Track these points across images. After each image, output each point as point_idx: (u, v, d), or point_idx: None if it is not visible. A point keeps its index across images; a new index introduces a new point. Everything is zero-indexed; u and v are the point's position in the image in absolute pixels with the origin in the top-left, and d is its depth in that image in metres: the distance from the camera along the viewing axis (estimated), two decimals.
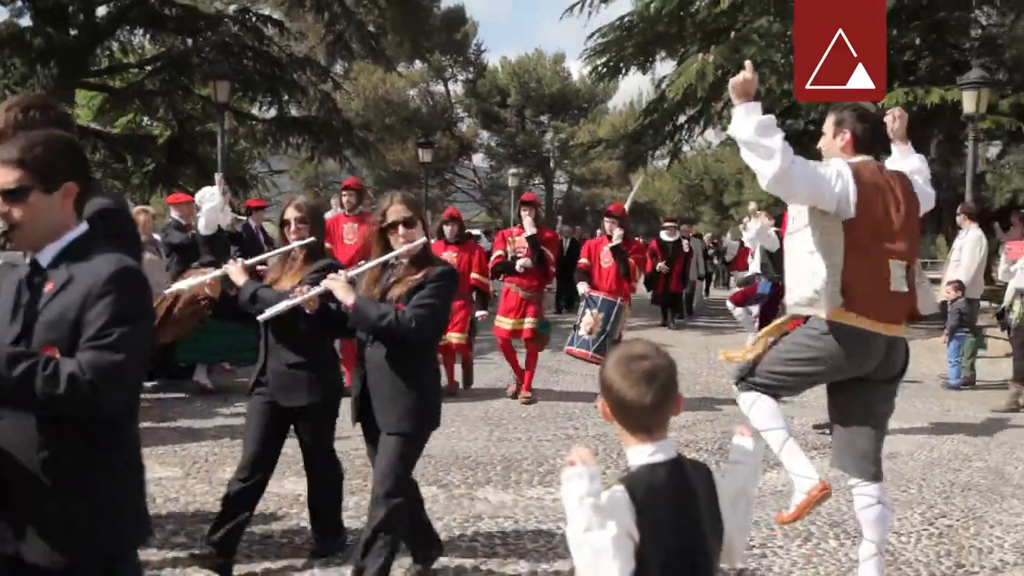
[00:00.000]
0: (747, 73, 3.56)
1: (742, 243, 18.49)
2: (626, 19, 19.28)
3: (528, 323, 8.57)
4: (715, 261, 24.76)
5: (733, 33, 17.44)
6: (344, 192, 9.12)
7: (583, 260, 8.81)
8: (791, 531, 4.85)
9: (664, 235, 16.28)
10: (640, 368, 1.97)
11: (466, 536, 4.72)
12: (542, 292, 8.87)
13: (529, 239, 8.60)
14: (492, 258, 8.93)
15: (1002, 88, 17.29)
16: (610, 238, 8.71)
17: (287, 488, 5.53)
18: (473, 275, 8.64)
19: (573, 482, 1.89)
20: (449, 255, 8.36)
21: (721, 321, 17.88)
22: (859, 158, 3.79)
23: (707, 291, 22.98)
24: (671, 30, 18.60)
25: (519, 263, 8.55)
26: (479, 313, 8.74)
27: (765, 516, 5.10)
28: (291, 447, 6.50)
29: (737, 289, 11.59)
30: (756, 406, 3.78)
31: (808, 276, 3.66)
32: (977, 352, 10.31)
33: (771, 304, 9.53)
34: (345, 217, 8.93)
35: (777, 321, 3.97)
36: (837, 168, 3.66)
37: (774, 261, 9.45)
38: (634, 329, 15.47)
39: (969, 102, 13.70)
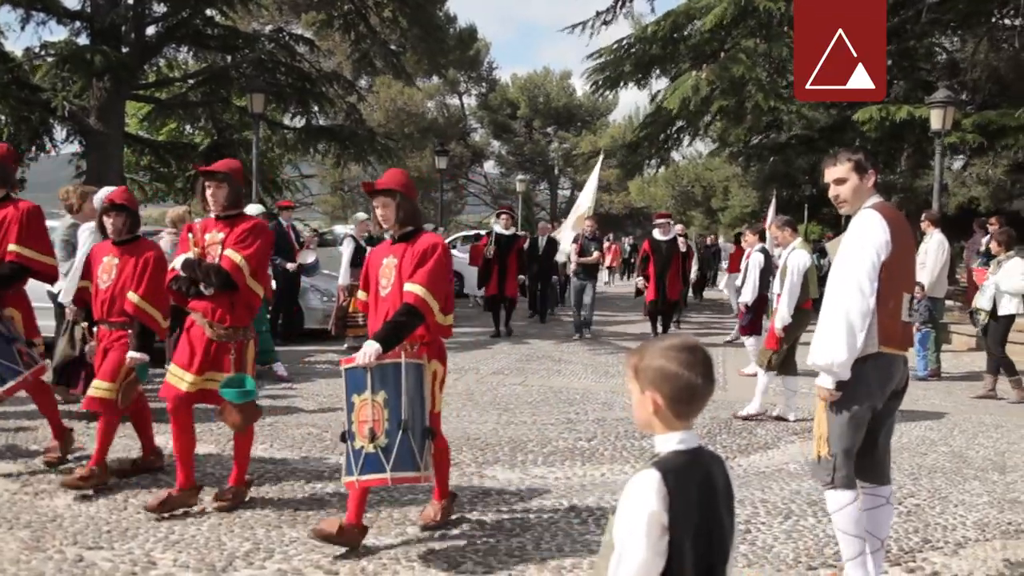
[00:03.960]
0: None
1: (737, 245, 18.32)
2: (624, 41, 19.19)
3: (220, 381, 4.50)
4: (712, 262, 23.63)
5: (723, 53, 17.35)
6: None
7: (360, 295, 4.43)
8: (773, 509, 4.81)
9: (657, 233, 12.71)
10: (701, 357, 1.92)
11: (476, 511, 4.68)
12: (247, 328, 4.63)
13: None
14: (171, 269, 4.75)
15: (964, 107, 17.22)
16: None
17: (312, 465, 5.51)
18: (130, 296, 4.85)
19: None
20: (109, 260, 4.99)
21: (709, 316, 17.83)
22: (877, 196, 3.63)
23: (700, 296, 21.22)
24: (666, 50, 18.51)
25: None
26: (130, 355, 4.83)
27: (749, 495, 5.07)
28: (317, 425, 6.53)
29: (740, 318, 10.11)
30: (847, 510, 3.51)
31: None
32: (942, 346, 10.24)
33: (758, 311, 9.40)
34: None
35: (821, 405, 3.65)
36: (874, 241, 3.42)
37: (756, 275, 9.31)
38: (617, 324, 15.32)
39: (936, 119, 13.63)
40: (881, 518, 3.66)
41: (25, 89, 16.46)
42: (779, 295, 7.53)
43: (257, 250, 4.55)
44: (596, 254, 13.10)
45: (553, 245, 14.75)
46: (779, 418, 7.31)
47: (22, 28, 17.54)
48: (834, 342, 3.39)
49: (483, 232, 17.73)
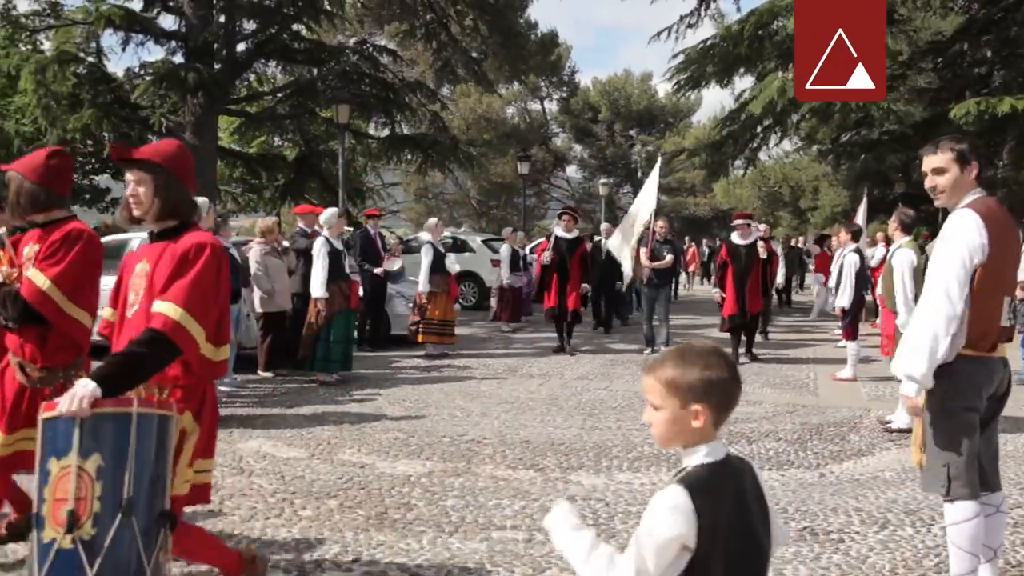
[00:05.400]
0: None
1: (822, 248, 17.85)
2: (708, 41, 18.92)
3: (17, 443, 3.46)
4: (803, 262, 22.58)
5: None
6: None
7: (106, 312, 3.19)
8: (868, 518, 4.66)
9: (736, 237, 10.86)
10: (731, 359, 1.86)
11: None
12: (68, 367, 3.51)
13: None
14: None
15: None
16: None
17: (399, 469, 5.59)
18: None
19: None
20: None
21: (798, 321, 17.40)
22: (979, 191, 3.47)
23: (788, 301, 20.21)
24: (752, 49, 18.17)
25: None
26: None
27: (842, 503, 4.92)
28: (403, 430, 6.62)
29: (839, 322, 9.87)
30: (963, 526, 3.34)
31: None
32: None
33: (855, 314, 9.34)
34: None
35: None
36: (967, 244, 3.28)
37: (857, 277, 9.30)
38: (699, 328, 14.98)
39: None
40: (993, 526, 3.50)
41: (126, 107, 17.26)
42: (881, 296, 7.27)
43: (71, 265, 3.38)
44: (669, 257, 11.54)
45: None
46: (882, 421, 7.08)
47: (123, 49, 18.44)
48: (916, 350, 3.28)
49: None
